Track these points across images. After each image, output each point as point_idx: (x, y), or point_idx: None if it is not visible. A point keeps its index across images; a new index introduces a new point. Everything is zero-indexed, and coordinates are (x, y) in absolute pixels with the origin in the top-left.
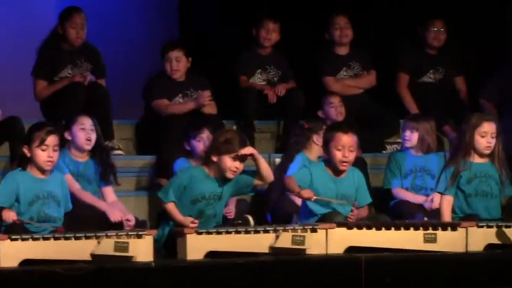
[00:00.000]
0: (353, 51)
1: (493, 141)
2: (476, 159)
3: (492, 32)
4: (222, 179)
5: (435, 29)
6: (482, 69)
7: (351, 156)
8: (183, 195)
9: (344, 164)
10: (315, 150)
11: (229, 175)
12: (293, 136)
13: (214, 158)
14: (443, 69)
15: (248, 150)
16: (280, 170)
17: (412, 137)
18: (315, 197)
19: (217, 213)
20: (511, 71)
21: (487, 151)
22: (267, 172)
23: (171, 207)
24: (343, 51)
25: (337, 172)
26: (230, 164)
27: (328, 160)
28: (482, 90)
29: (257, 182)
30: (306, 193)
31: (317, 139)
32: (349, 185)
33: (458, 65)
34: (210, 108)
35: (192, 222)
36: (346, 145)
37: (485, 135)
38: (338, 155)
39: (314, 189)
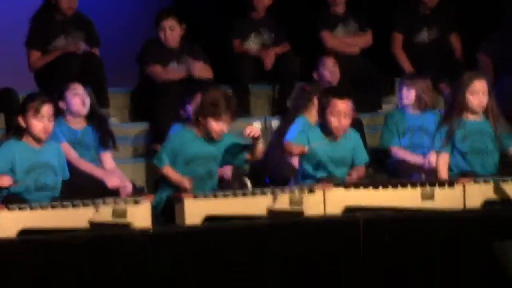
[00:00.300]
0: (349, 10)
1: (485, 98)
2: (470, 117)
3: None
4: (211, 140)
5: None
6: (480, 26)
7: (347, 122)
8: (176, 158)
9: (340, 130)
10: (315, 113)
11: (215, 136)
12: (293, 99)
13: (201, 119)
14: (438, 28)
15: (252, 130)
16: (279, 134)
17: (409, 95)
18: (307, 147)
19: (212, 174)
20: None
21: (480, 109)
22: (261, 151)
23: (166, 170)
24: (340, 9)
25: (334, 136)
26: (215, 126)
27: (324, 125)
28: (481, 43)
29: (249, 157)
30: (298, 148)
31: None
32: (346, 148)
33: (453, 24)
34: (205, 73)
35: (189, 180)
36: (342, 111)
37: (477, 94)
38: (334, 121)
39: (311, 153)
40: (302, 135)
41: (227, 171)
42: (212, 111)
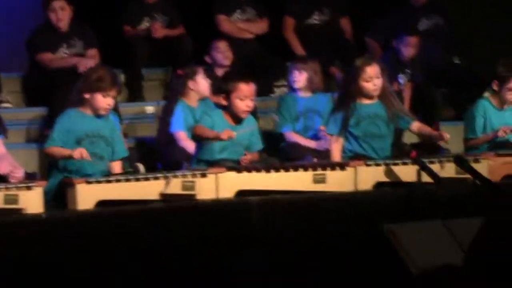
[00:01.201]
0: None
1: (379, 82)
2: (364, 101)
3: None
4: (99, 117)
5: None
6: (370, 11)
7: (252, 104)
8: (67, 138)
9: (246, 112)
10: (193, 96)
11: (103, 111)
12: (170, 84)
13: (87, 96)
14: (328, 11)
15: (227, 134)
16: (163, 119)
17: (300, 77)
18: (235, 133)
19: (103, 155)
20: (400, 15)
21: (375, 93)
22: None
23: (52, 149)
24: None
25: (236, 119)
26: (102, 102)
27: (226, 108)
28: (370, 28)
29: None
30: (226, 133)
31: (193, 85)
32: (245, 132)
33: (343, 8)
34: (94, 60)
35: (81, 152)
36: (248, 94)
37: (370, 80)
38: (240, 104)
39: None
40: (206, 119)
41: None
42: (98, 86)
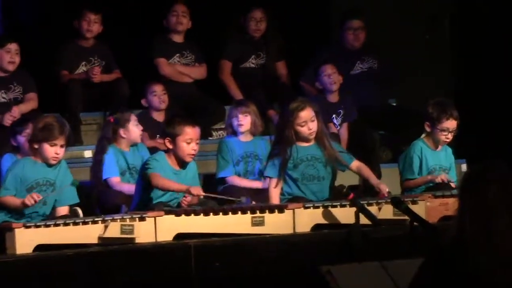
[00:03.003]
0: (188, 41)
1: (314, 125)
2: (301, 144)
3: (315, 18)
4: (49, 165)
5: (255, 18)
6: (303, 54)
7: (197, 148)
8: (19, 186)
9: (192, 156)
10: (124, 142)
11: (51, 161)
12: (101, 130)
13: (35, 146)
14: (265, 55)
15: (196, 191)
16: (95, 163)
17: (245, 121)
18: (203, 194)
19: (46, 201)
20: (328, 54)
21: (311, 137)
22: None
23: (7, 198)
24: (178, 39)
25: (180, 164)
26: (50, 151)
27: (171, 152)
28: (302, 73)
29: None
30: (196, 190)
31: (124, 133)
32: (188, 177)
33: (279, 51)
34: (32, 104)
35: (32, 197)
36: (194, 137)
37: (305, 124)
38: (186, 148)
39: None
40: (154, 163)
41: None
42: (46, 135)
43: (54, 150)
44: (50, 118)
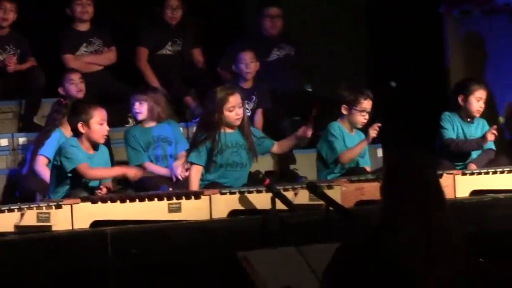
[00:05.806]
0: (94, 27)
1: (241, 111)
2: (227, 130)
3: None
4: None
5: (171, 6)
6: (220, 41)
7: (108, 129)
8: None
9: (105, 137)
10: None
11: None
12: (50, 113)
13: None
14: (181, 41)
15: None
16: (36, 146)
17: (142, 109)
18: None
19: None
20: (246, 41)
21: (237, 122)
22: None
23: None
24: (83, 27)
25: (93, 147)
26: None
27: (83, 136)
28: (219, 60)
29: None
30: (132, 171)
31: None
32: (102, 159)
33: (196, 38)
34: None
35: None
36: (105, 118)
37: (233, 109)
38: (100, 129)
39: None
40: (75, 151)
41: None
42: None
43: None
44: None
